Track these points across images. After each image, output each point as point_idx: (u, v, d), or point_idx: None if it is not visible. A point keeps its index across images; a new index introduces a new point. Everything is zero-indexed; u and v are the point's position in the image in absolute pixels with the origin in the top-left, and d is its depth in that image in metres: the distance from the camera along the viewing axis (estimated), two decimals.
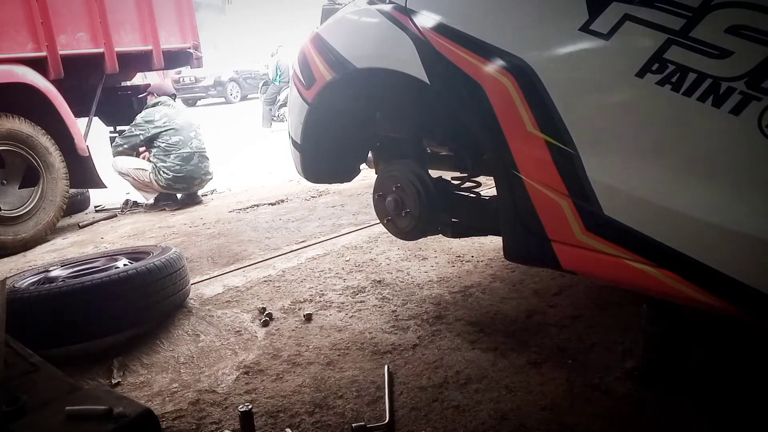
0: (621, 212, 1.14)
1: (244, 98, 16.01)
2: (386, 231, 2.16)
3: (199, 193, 4.79)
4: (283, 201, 4.46)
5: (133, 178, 4.51)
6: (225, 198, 4.90)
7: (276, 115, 10.29)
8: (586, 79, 1.20)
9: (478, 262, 2.62)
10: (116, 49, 4.43)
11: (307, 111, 2.03)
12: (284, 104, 10.45)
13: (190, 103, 16.11)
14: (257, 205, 4.39)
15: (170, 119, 4.48)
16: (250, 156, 7.30)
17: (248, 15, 17.91)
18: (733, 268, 1.02)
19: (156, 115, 4.47)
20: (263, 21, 16.91)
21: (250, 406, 1.41)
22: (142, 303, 2.10)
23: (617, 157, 1.15)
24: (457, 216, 1.96)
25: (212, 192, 5.12)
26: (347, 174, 2.36)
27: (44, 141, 3.88)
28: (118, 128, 4.98)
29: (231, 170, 6.02)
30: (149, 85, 4.96)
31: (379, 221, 2.16)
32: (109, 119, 5.11)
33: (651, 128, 1.10)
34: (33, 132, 3.82)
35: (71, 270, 2.30)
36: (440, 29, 1.43)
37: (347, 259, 2.78)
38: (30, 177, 3.86)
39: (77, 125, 4.17)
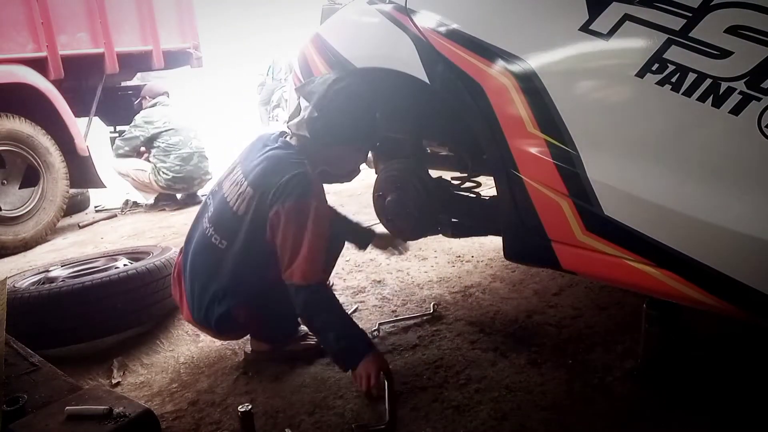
0: (621, 212, 1.14)
1: None
2: (386, 231, 2.16)
3: (199, 193, 4.79)
4: None
5: (132, 178, 4.51)
6: None
7: (271, 116, 10.33)
8: (586, 79, 1.20)
9: (478, 262, 2.62)
10: (116, 50, 4.43)
11: None
12: (278, 105, 10.48)
13: None
14: None
15: (170, 119, 4.48)
16: None
17: (247, 15, 17.94)
18: (733, 268, 1.02)
19: (155, 116, 4.47)
20: (262, 21, 16.92)
21: (249, 406, 1.41)
22: (142, 303, 2.10)
23: (617, 157, 1.14)
24: (457, 216, 1.96)
25: None
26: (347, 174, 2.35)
27: (44, 141, 3.89)
28: (118, 128, 4.98)
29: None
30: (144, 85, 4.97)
31: (378, 221, 2.16)
32: (109, 119, 5.11)
33: (651, 128, 1.10)
34: (33, 132, 3.82)
35: (71, 270, 2.30)
36: (440, 29, 1.43)
37: (347, 259, 2.78)
38: (30, 177, 3.86)
39: (77, 125, 4.17)
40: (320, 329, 1.61)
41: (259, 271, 1.66)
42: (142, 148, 4.55)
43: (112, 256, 2.45)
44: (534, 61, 1.23)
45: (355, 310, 2.21)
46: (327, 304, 1.59)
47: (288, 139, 1.75)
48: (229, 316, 1.67)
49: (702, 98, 1.00)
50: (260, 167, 1.64)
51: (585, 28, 1.14)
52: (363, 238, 2.09)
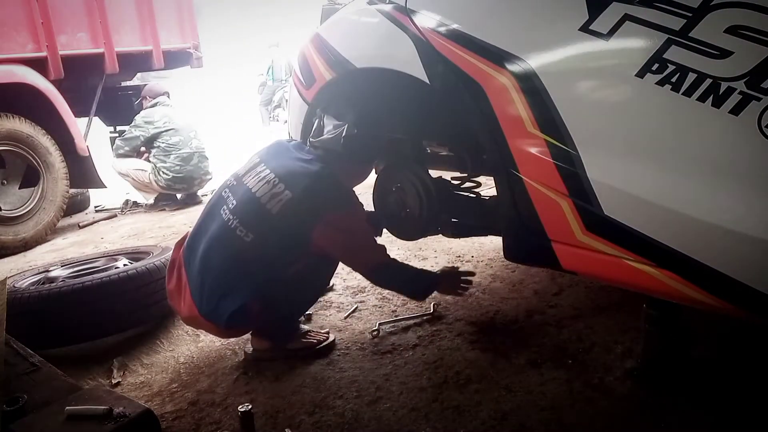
0: (621, 212, 1.14)
1: None
2: (386, 231, 2.16)
3: (199, 193, 4.80)
4: None
5: (133, 178, 4.51)
6: None
7: (271, 116, 10.33)
8: (586, 79, 1.20)
9: (478, 262, 2.62)
10: (116, 50, 4.43)
11: (307, 111, 2.03)
12: (278, 105, 10.49)
13: None
14: None
15: (170, 119, 4.48)
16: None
17: (247, 15, 17.94)
18: (733, 268, 1.02)
19: (155, 116, 4.47)
20: (262, 21, 16.91)
21: (249, 406, 1.41)
22: (142, 303, 2.10)
23: (617, 157, 1.14)
24: (457, 216, 1.96)
25: (212, 192, 5.12)
26: None
27: (44, 141, 3.88)
28: (118, 128, 4.98)
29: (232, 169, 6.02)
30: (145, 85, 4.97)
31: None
32: (109, 119, 5.11)
33: (651, 128, 1.10)
34: (33, 132, 3.82)
35: (71, 270, 2.30)
36: (440, 29, 1.43)
37: None
38: (30, 177, 3.86)
39: (77, 125, 4.17)
40: (397, 290, 2.03)
41: (282, 266, 1.73)
42: (142, 148, 4.55)
43: (112, 256, 2.45)
44: (534, 61, 1.23)
45: (354, 310, 2.21)
46: (392, 273, 1.89)
47: (314, 150, 1.83)
48: (244, 309, 1.69)
49: (702, 98, 1.00)
50: (304, 179, 1.71)
51: (585, 28, 1.14)
52: (378, 225, 2.22)
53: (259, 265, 1.70)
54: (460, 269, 2.10)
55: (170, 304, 1.89)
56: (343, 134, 1.74)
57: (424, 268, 2.11)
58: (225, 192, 1.82)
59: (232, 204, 1.76)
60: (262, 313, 1.74)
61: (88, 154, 4.20)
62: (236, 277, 1.70)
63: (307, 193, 1.68)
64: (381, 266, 1.84)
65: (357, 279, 2.53)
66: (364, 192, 2.56)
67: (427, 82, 1.48)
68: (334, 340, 1.95)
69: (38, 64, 3.90)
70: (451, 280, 2.03)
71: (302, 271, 1.75)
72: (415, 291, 1.95)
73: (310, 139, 1.84)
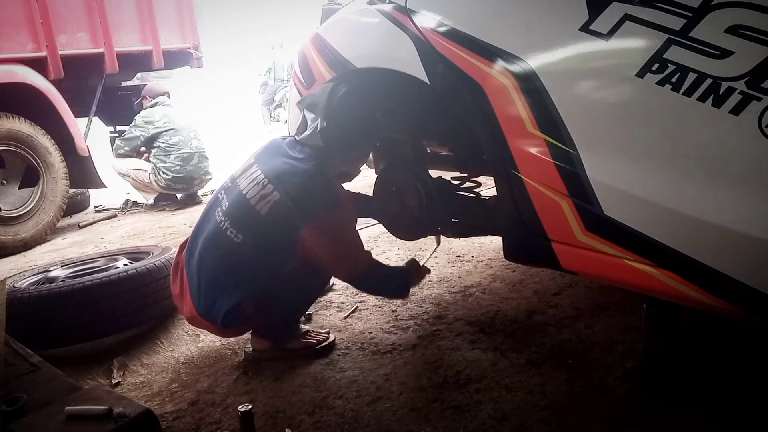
0: (621, 212, 1.14)
1: None
2: (386, 231, 2.16)
3: (199, 193, 4.80)
4: None
5: (132, 178, 4.51)
6: None
7: (272, 115, 10.34)
8: (586, 79, 1.20)
9: (478, 262, 2.62)
10: (116, 50, 4.44)
11: None
12: (280, 105, 10.50)
13: None
14: None
15: (170, 120, 4.48)
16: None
17: (247, 15, 17.96)
18: (734, 268, 1.02)
19: (155, 116, 4.47)
20: (262, 21, 16.93)
21: (249, 406, 1.41)
22: (142, 303, 2.10)
23: (617, 157, 1.14)
24: (457, 216, 1.96)
25: (212, 192, 5.12)
26: None
27: (44, 141, 3.89)
28: (118, 128, 4.98)
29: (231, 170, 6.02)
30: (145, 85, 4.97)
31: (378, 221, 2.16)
32: (109, 119, 5.11)
33: (651, 128, 1.10)
34: (33, 132, 3.82)
35: (71, 270, 2.30)
36: (440, 29, 1.43)
37: None
38: (30, 177, 3.86)
39: (77, 125, 4.17)
40: (382, 293, 2.00)
41: (273, 267, 1.72)
42: (142, 148, 4.55)
43: (112, 256, 2.45)
44: (534, 61, 1.23)
45: (354, 310, 2.21)
46: (378, 277, 1.85)
47: (303, 148, 1.81)
48: (238, 309, 1.69)
49: (702, 98, 1.00)
50: (292, 179, 1.69)
51: (585, 28, 1.14)
52: (373, 214, 2.21)
53: (250, 266, 1.70)
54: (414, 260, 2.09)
55: (176, 305, 1.91)
56: (317, 129, 1.72)
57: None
58: (221, 194, 1.84)
59: (225, 206, 1.77)
60: (258, 313, 1.74)
61: (88, 154, 4.20)
62: (229, 277, 1.70)
63: (294, 194, 1.66)
64: (366, 271, 1.80)
65: None
66: (364, 192, 2.56)
67: (427, 82, 1.48)
68: (334, 340, 1.95)
69: (38, 64, 3.91)
70: (418, 269, 2.01)
71: (297, 272, 1.73)
72: (401, 290, 1.92)
73: (296, 137, 1.84)
